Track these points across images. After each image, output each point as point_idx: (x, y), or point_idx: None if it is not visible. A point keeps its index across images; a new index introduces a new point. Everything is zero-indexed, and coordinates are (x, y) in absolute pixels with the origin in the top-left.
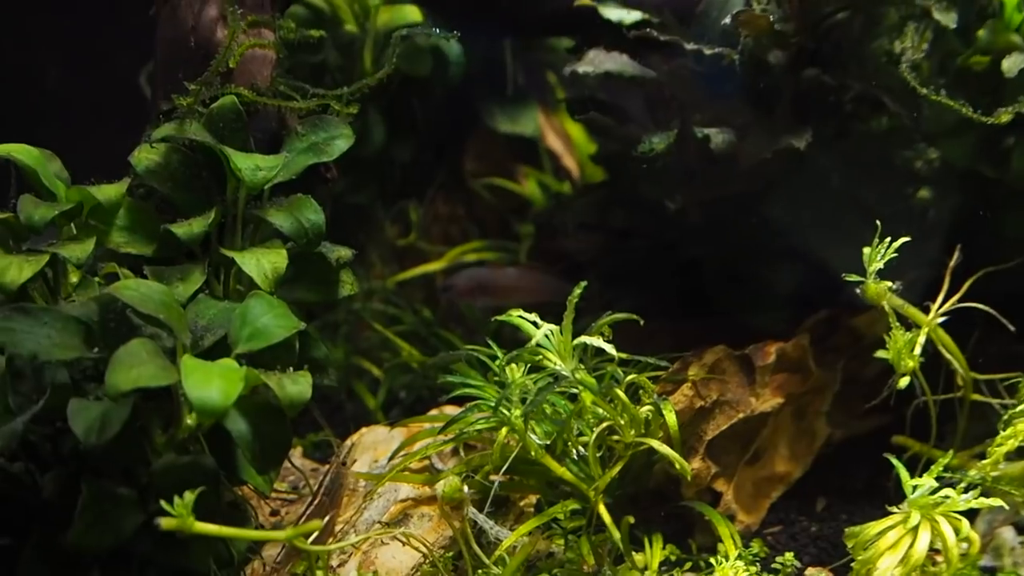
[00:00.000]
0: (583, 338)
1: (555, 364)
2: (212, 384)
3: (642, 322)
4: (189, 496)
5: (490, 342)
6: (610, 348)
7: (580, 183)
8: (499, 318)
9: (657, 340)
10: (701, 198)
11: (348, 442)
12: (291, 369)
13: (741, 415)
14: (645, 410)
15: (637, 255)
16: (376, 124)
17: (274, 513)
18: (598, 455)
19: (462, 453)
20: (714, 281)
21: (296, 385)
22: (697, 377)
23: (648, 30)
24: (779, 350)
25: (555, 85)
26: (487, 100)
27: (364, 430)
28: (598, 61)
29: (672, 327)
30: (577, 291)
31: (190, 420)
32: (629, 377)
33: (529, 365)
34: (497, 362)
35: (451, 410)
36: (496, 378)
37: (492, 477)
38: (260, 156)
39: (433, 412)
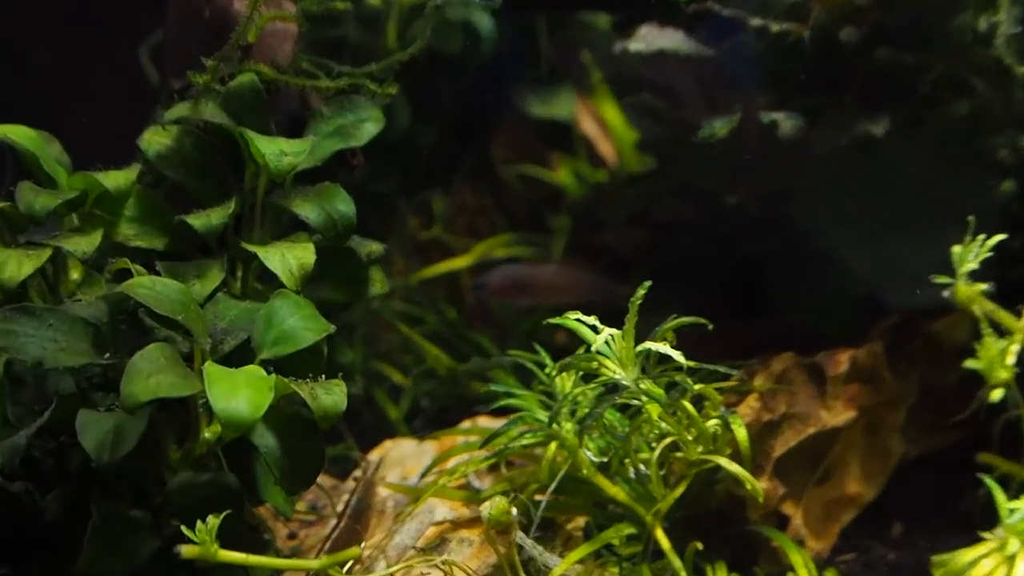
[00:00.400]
0: (648, 344)
1: (614, 373)
2: (239, 394)
3: (711, 326)
4: (213, 520)
5: (538, 348)
6: (678, 355)
7: (618, 172)
8: (553, 321)
9: (710, 345)
10: (764, 190)
11: (373, 456)
12: (322, 377)
13: (811, 430)
14: (712, 424)
15: (687, 251)
16: (400, 106)
17: (291, 536)
18: (660, 473)
19: (503, 469)
20: (774, 281)
21: (330, 395)
22: (764, 388)
23: (709, 3)
24: (851, 358)
25: (590, 65)
26: (519, 81)
27: (389, 443)
28: (651, 38)
29: (726, 331)
30: (641, 292)
31: (208, 433)
32: (695, 387)
33: (581, 373)
34: (547, 370)
35: (485, 422)
36: (542, 387)
37: (538, 497)
38: (284, 140)
39: (465, 424)
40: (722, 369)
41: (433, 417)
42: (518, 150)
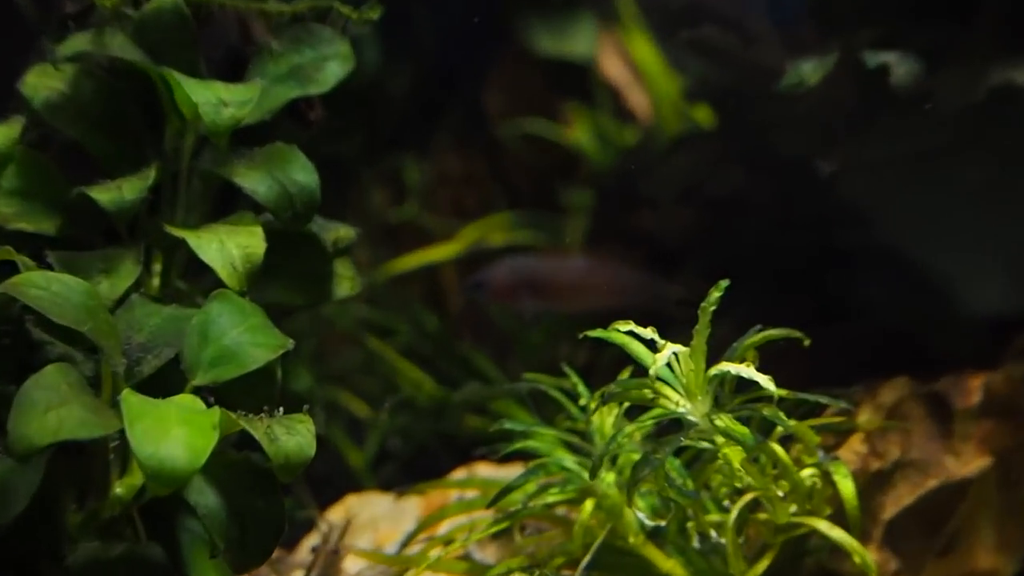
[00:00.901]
0: (725, 366)
1: (677, 404)
2: (171, 435)
3: (807, 341)
4: None
5: (568, 370)
6: (766, 381)
7: (655, 132)
8: (593, 333)
9: (790, 364)
10: (866, 157)
11: (334, 516)
12: (278, 411)
13: (932, 483)
14: (808, 476)
15: (758, 239)
16: (366, 42)
17: None
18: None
19: (517, 536)
20: (874, 280)
21: (293, 436)
22: (871, 426)
23: None
24: (985, 386)
25: None
26: (522, 8)
27: (353, 499)
28: None
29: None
30: (715, 294)
31: (121, 489)
32: (781, 425)
33: (625, 406)
34: (581, 401)
35: (486, 471)
36: (569, 424)
37: (567, 574)
38: (222, 84)
39: (458, 474)
40: (823, 399)
41: (409, 463)
42: (520, 100)
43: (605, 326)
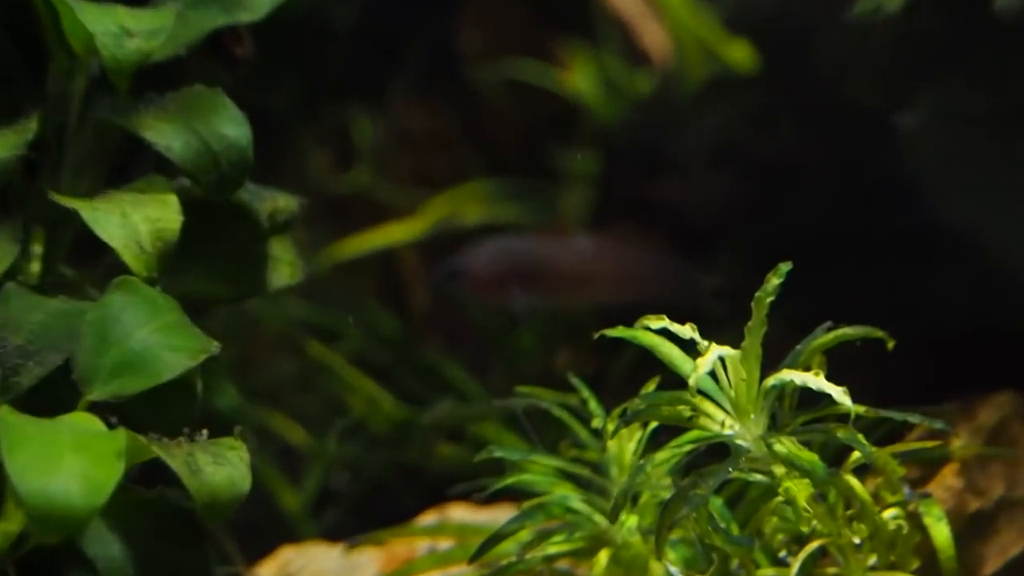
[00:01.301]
0: (789, 374)
1: (723, 425)
2: (62, 465)
3: (890, 344)
4: None
5: (576, 382)
6: (840, 394)
7: (677, 77)
8: (612, 332)
9: (858, 374)
10: (960, 108)
11: (266, 572)
12: (202, 434)
13: None
14: (890, 518)
15: (813, 215)
16: None
17: None
18: None
19: None
20: (967, 269)
21: (221, 467)
22: (968, 454)
23: None
24: None
25: None
26: None
27: (290, 552)
28: None
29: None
30: (774, 280)
31: None
32: (862, 452)
33: (649, 427)
34: (595, 421)
35: (463, 514)
36: (575, 452)
37: None
38: (125, 9)
39: (428, 518)
40: (914, 418)
41: (361, 505)
42: (502, 37)
43: (619, 323)
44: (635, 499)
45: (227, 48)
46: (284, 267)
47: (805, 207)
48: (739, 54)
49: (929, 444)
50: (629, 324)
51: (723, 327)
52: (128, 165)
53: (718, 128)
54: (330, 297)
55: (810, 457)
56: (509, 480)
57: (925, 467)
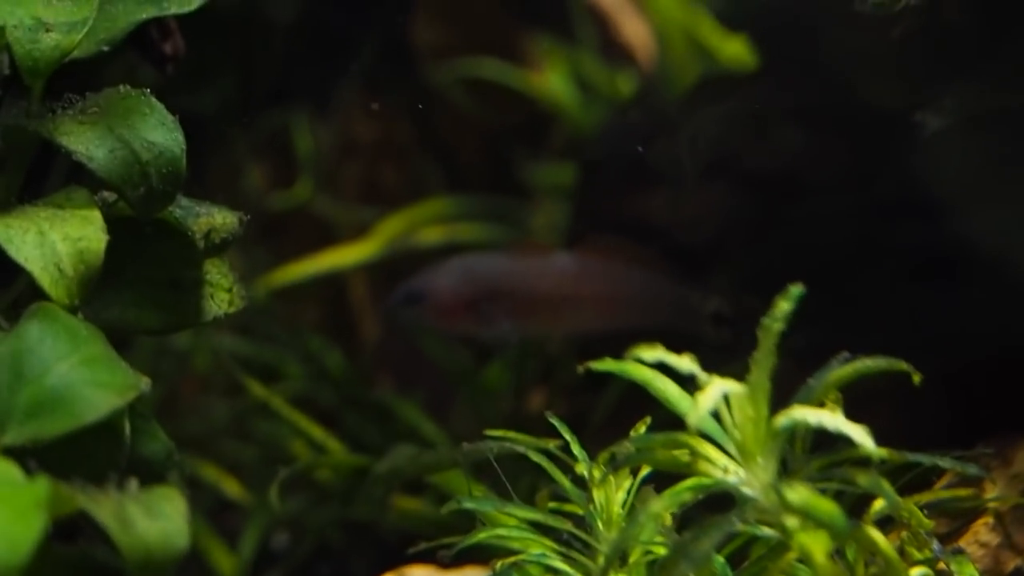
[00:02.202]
0: (802, 412)
1: (725, 471)
2: None
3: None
4: None
5: (556, 422)
6: (862, 436)
7: (661, 75)
8: (599, 366)
9: (876, 414)
10: (990, 108)
11: None
12: (130, 482)
13: None
14: None
15: (827, 232)
16: None
17: None
18: None
19: None
20: (998, 295)
21: (156, 520)
22: (1003, 504)
23: None
24: None
25: None
26: None
27: None
28: None
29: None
30: (784, 305)
31: None
32: (888, 501)
33: (641, 476)
34: (579, 467)
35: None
36: (555, 504)
37: None
38: None
39: None
40: (945, 463)
41: (304, 569)
42: (464, 32)
43: (602, 354)
44: (623, 557)
45: (153, 44)
46: (221, 293)
47: (813, 222)
48: (733, 51)
49: (961, 493)
50: (609, 354)
51: (721, 358)
52: (36, 177)
53: (712, 134)
54: (267, 329)
55: (829, 507)
56: (480, 536)
57: (956, 519)
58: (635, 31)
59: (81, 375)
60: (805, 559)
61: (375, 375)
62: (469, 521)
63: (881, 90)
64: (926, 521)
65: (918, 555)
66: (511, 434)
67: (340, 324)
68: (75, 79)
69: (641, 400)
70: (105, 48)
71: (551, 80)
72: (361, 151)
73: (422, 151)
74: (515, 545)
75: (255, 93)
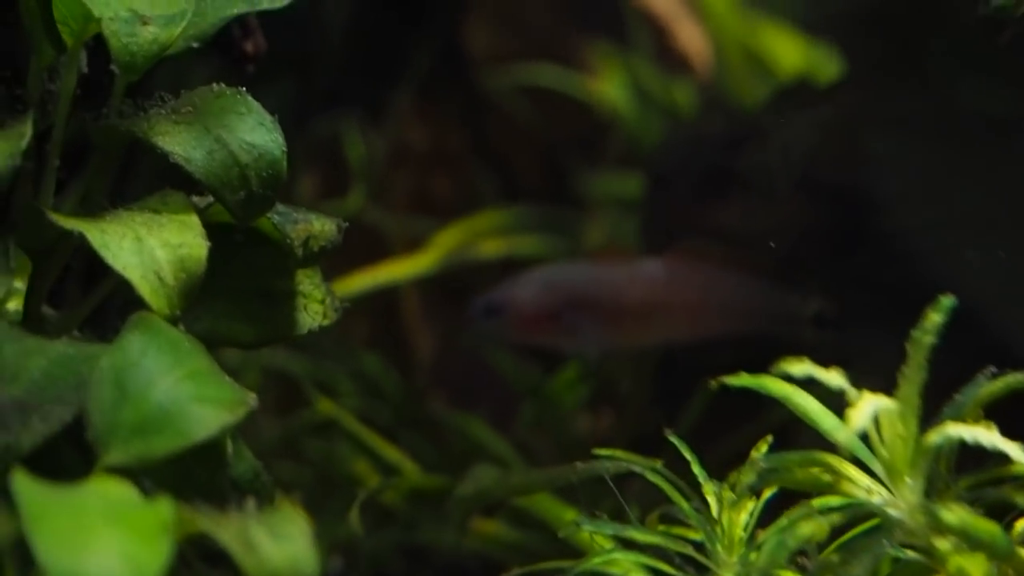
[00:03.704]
0: (954, 428)
1: (868, 492)
2: (97, 543)
3: None
4: None
5: (675, 440)
6: (1019, 453)
7: (719, 85)
8: (738, 381)
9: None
10: None
11: None
12: (249, 502)
13: None
14: None
15: (921, 246)
16: None
17: None
18: None
19: None
20: None
21: (283, 544)
22: None
23: None
24: None
25: None
26: None
27: None
28: None
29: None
30: (934, 316)
31: None
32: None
33: (765, 498)
34: (706, 488)
35: None
36: (662, 528)
37: None
38: None
39: None
40: None
41: None
42: (517, 37)
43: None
44: None
45: (235, 41)
46: (314, 305)
47: (911, 234)
48: (793, 59)
49: None
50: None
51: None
52: (123, 179)
53: (803, 143)
54: (317, 345)
55: (990, 528)
56: (594, 562)
57: None
58: (691, 39)
59: (187, 390)
60: None
61: (429, 392)
62: (550, 544)
63: (991, 96)
64: None
65: None
66: (619, 453)
67: (391, 339)
68: (159, 76)
69: (718, 416)
70: (195, 44)
71: (608, 88)
72: (414, 159)
73: (476, 159)
74: (617, 570)
75: (306, 99)
